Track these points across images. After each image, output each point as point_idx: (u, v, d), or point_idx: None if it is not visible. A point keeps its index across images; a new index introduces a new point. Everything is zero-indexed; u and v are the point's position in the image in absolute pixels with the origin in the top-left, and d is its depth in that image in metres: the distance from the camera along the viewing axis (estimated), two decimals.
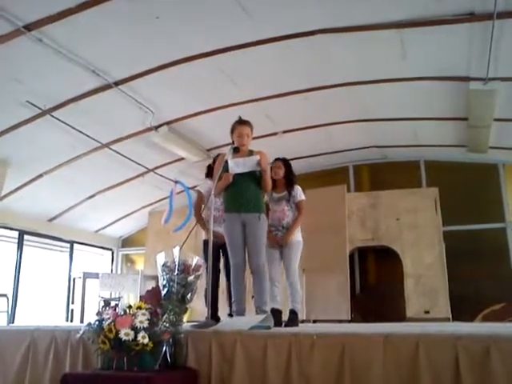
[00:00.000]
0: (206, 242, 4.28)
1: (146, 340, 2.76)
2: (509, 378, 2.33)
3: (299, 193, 4.52)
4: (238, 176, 3.91)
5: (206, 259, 3.75)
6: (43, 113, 5.78)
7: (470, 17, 4.58)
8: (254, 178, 3.98)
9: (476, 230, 7.94)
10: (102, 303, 3.04)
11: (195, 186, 8.04)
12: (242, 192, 3.94)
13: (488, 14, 4.43)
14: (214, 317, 4.15)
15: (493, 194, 8.00)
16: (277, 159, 4.65)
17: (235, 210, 3.94)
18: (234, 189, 3.97)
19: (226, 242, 3.99)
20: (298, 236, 4.46)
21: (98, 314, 2.95)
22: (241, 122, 4.10)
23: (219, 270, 4.43)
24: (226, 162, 3.93)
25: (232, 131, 4.13)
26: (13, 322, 7.48)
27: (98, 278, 8.05)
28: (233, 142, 4.13)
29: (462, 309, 7.08)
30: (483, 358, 2.39)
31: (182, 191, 5.62)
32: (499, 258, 7.70)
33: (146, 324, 2.81)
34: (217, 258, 4.34)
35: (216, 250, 4.21)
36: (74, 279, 8.99)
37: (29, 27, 4.46)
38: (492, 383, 2.35)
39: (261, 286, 3.87)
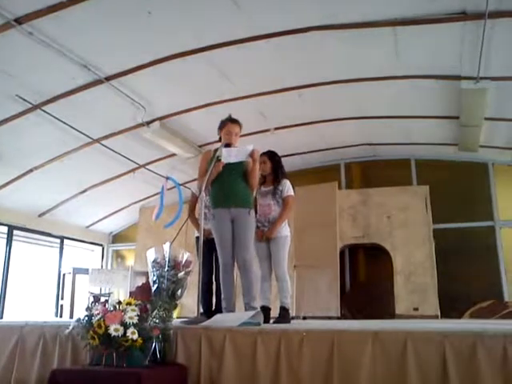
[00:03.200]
0: (198, 239, 4.27)
1: (136, 336, 2.76)
2: (494, 373, 2.37)
3: (287, 188, 4.45)
4: (226, 171, 3.90)
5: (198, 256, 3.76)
6: (34, 107, 5.74)
7: (462, 16, 4.61)
8: (242, 173, 3.98)
9: (465, 228, 8.02)
10: (92, 299, 3.03)
11: (186, 182, 8.11)
12: (231, 187, 3.93)
13: (480, 13, 4.45)
14: (208, 313, 4.14)
15: (482, 193, 8.07)
16: (262, 154, 4.49)
17: (224, 205, 3.92)
18: (222, 184, 3.95)
19: (215, 238, 3.98)
20: (284, 230, 4.40)
21: (88, 309, 2.95)
22: (231, 121, 4.08)
23: (212, 266, 4.41)
24: (217, 157, 3.91)
25: (221, 128, 4.10)
26: (1, 318, 7.45)
27: (87, 273, 8.03)
28: (220, 139, 4.12)
29: (450, 306, 7.16)
30: (470, 355, 2.43)
31: (173, 187, 5.61)
32: (488, 256, 7.78)
33: (135, 320, 2.81)
34: (209, 255, 4.33)
35: (208, 247, 4.21)
36: (63, 275, 8.97)
37: (19, 20, 4.42)
38: (478, 379, 2.38)
39: (249, 281, 3.87)
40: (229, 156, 3.87)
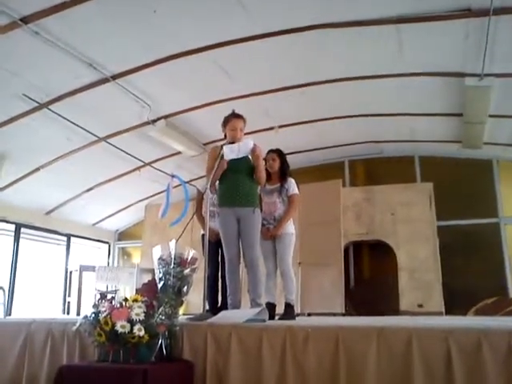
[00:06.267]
0: (204, 237, 4.29)
1: (142, 332, 2.77)
2: (499, 370, 2.37)
3: (292, 186, 4.47)
4: (231, 170, 3.92)
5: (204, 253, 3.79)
6: (40, 106, 5.78)
7: (467, 13, 4.61)
8: (248, 172, 4.00)
9: (469, 224, 8.02)
10: (99, 296, 3.06)
11: (192, 180, 8.14)
12: (236, 186, 3.95)
13: (484, 10, 4.46)
14: (214, 309, 4.17)
15: (486, 190, 8.07)
16: (271, 151, 4.57)
17: (229, 204, 3.94)
18: (228, 183, 3.98)
19: (221, 236, 4.00)
20: (290, 228, 4.42)
21: (95, 306, 2.97)
22: (235, 116, 4.08)
23: (218, 263, 4.44)
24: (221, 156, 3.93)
25: (225, 124, 4.10)
26: (9, 315, 7.51)
27: (94, 271, 8.08)
28: (225, 135, 4.14)
29: (455, 303, 7.17)
30: (474, 351, 2.43)
31: (178, 185, 5.64)
32: (492, 253, 7.79)
33: (141, 316, 2.83)
34: (216, 252, 4.35)
35: (214, 244, 4.24)
36: (70, 272, 9.02)
37: (25, 20, 4.46)
38: (483, 376, 2.38)
39: (255, 278, 3.89)
40: (231, 152, 3.89)
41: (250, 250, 3.90)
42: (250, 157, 3.98)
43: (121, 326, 2.77)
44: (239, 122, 4.06)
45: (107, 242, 10.67)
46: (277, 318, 4.18)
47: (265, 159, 4.48)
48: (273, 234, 4.35)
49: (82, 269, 8.30)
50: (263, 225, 4.33)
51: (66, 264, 9.32)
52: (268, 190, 4.48)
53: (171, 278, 3.06)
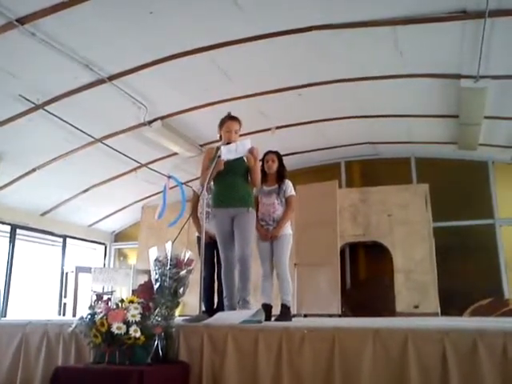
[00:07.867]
0: (199, 239, 4.29)
1: (138, 334, 2.77)
2: (494, 371, 2.37)
3: (290, 188, 4.51)
4: (226, 171, 3.91)
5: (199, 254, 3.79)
6: (37, 107, 5.76)
7: (463, 15, 4.63)
8: (243, 173, 4.01)
9: (465, 226, 8.05)
10: (95, 297, 3.05)
11: (189, 181, 8.13)
12: (232, 188, 3.95)
13: (480, 12, 4.47)
14: (210, 311, 4.16)
15: (482, 191, 8.10)
16: (269, 152, 4.61)
17: (224, 205, 3.95)
18: (222, 184, 3.97)
19: (216, 237, 4.01)
20: (288, 229, 4.46)
21: (91, 307, 2.96)
22: (230, 118, 4.09)
23: (214, 264, 4.43)
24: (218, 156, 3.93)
25: (221, 126, 4.11)
26: (5, 316, 7.48)
27: (90, 272, 8.06)
28: (220, 137, 4.14)
29: (450, 304, 7.19)
30: (470, 352, 2.43)
31: (175, 186, 5.63)
32: (488, 254, 7.82)
33: (138, 318, 2.82)
34: (211, 254, 4.35)
35: (210, 246, 4.23)
36: (66, 273, 9.00)
37: (22, 21, 4.44)
38: (479, 377, 2.38)
39: (245, 275, 3.86)
40: (228, 153, 3.87)
41: (242, 247, 3.86)
42: (246, 158, 3.98)
43: (117, 327, 2.77)
44: (235, 124, 4.06)
45: (103, 243, 10.64)
46: (273, 319, 4.18)
47: (262, 160, 4.50)
48: (272, 236, 4.36)
49: (78, 270, 8.29)
50: (262, 226, 4.34)
51: (62, 265, 9.29)
52: (266, 192, 4.50)
53: (167, 280, 3.05)
